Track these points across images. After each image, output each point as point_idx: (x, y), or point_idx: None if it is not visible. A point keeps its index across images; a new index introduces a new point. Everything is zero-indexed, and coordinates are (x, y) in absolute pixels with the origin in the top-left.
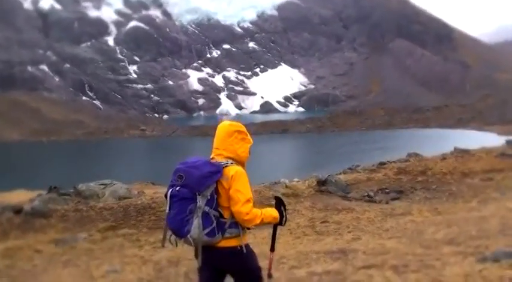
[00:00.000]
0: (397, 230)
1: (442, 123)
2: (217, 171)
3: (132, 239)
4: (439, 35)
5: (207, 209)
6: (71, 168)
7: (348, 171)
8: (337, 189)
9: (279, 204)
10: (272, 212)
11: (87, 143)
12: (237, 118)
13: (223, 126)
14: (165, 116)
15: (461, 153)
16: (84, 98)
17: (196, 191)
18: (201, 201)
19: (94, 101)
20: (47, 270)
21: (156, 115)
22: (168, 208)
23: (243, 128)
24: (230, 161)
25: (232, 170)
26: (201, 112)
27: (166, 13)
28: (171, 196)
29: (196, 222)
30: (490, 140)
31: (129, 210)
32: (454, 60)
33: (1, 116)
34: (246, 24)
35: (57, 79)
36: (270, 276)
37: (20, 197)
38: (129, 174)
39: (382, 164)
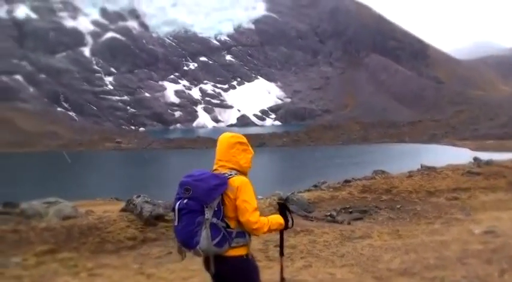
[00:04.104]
0: (352, 256)
1: (416, 138)
2: (223, 183)
3: (69, 264)
4: (413, 51)
5: (214, 220)
6: (36, 182)
7: (312, 189)
8: (299, 208)
9: (283, 209)
10: (278, 219)
11: (60, 155)
12: (214, 131)
13: (225, 137)
14: (141, 129)
15: (428, 171)
16: (58, 109)
17: (203, 203)
18: (208, 213)
19: (69, 112)
20: None
21: (132, 127)
22: (176, 221)
23: (244, 139)
24: (234, 172)
25: (237, 180)
26: (178, 125)
27: (143, 24)
28: (179, 209)
29: (204, 234)
30: (462, 156)
31: (72, 232)
32: (428, 76)
33: None
34: (223, 37)
35: (31, 89)
36: (283, 280)
37: None
38: (96, 188)
39: (347, 181)
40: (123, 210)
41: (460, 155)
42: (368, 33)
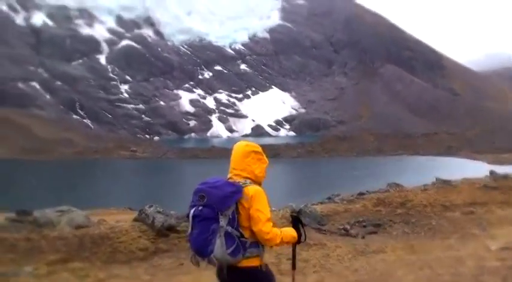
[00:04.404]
0: (365, 271)
1: (431, 150)
2: (238, 191)
3: (80, 274)
4: (427, 62)
5: (229, 228)
6: (50, 189)
7: (326, 201)
8: (312, 221)
9: (296, 223)
10: (291, 232)
11: (75, 163)
12: (228, 141)
13: (240, 146)
14: (156, 137)
15: (443, 184)
16: (74, 116)
17: (218, 211)
18: (223, 221)
19: (84, 120)
20: None
21: (147, 136)
22: (190, 228)
23: (259, 149)
24: (248, 181)
25: (252, 189)
26: (192, 134)
27: (158, 33)
28: (193, 216)
29: (219, 242)
30: (478, 169)
31: (84, 241)
32: (444, 88)
33: None
34: (238, 46)
35: (48, 96)
36: None
37: None
38: (110, 197)
39: (361, 194)
40: (136, 220)
41: (475, 168)
42: (382, 43)
